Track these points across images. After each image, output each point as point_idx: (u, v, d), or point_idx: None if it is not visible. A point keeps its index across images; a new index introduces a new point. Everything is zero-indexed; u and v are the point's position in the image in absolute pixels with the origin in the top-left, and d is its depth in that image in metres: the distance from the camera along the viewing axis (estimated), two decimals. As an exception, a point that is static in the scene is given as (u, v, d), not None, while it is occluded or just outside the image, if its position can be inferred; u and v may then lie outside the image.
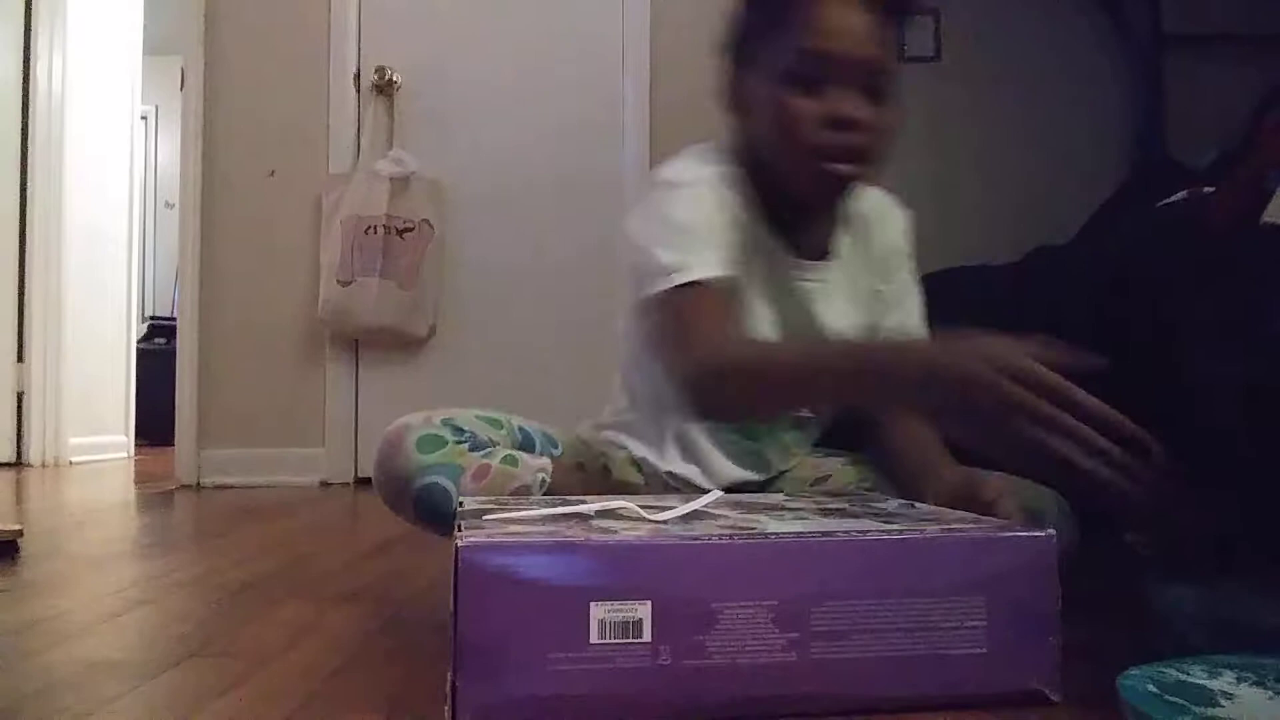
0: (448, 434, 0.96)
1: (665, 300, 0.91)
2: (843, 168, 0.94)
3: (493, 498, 0.92)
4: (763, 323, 1.02)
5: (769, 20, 0.96)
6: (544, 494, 0.98)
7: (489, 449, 0.98)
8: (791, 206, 1.01)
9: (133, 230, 4.26)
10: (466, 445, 0.96)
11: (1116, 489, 0.69)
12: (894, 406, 0.94)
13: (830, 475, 1.13)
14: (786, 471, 1.15)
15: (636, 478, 1.12)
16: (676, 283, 0.90)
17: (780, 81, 0.94)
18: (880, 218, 1.11)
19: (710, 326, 0.89)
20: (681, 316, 0.90)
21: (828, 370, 0.85)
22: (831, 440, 1.21)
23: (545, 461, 1.01)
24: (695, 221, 0.94)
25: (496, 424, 1.03)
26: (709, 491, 0.92)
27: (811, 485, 1.13)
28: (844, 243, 1.08)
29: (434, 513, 0.94)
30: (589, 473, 1.07)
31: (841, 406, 1.00)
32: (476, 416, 1.01)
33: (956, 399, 0.74)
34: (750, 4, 1.01)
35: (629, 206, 1.16)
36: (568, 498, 0.88)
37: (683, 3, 2.86)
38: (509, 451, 0.99)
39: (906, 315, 1.09)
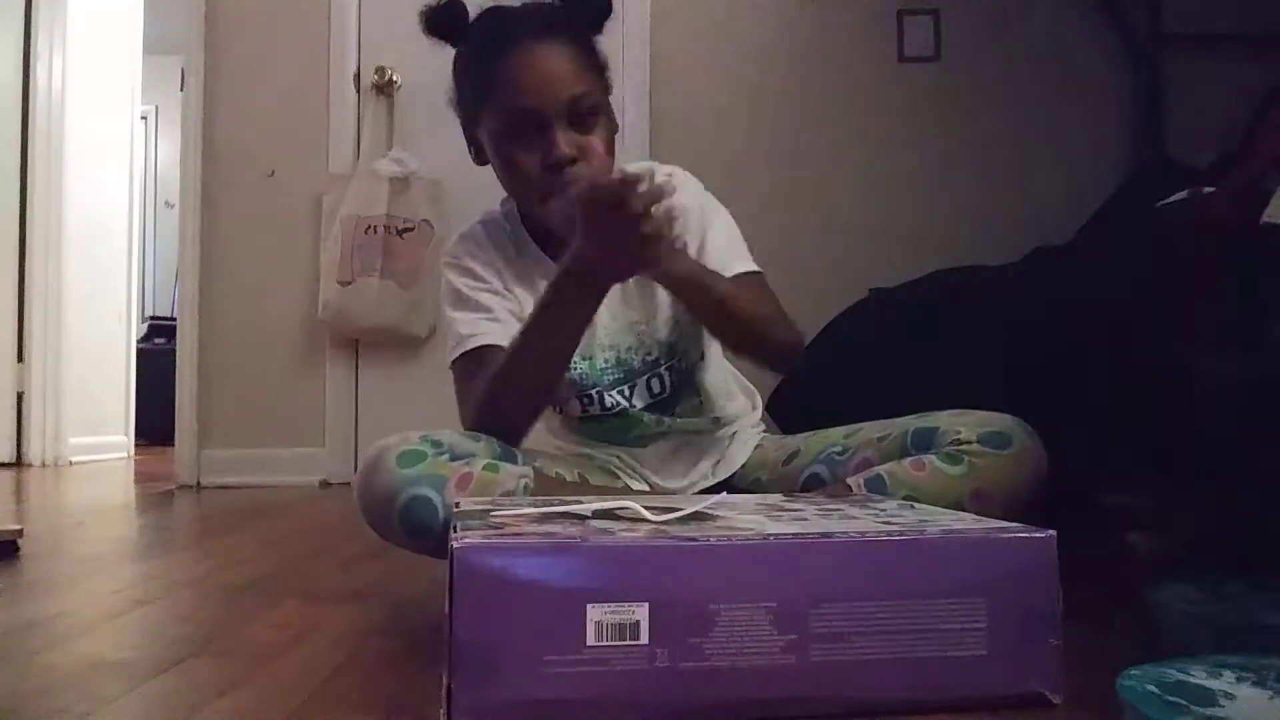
0: (427, 448, 0.96)
1: (455, 366, 1.12)
2: (572, 210, 1.02)
3: (489, 499, 0.92)
4: None
5: (477, 85, 1.06)
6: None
7: (469, 458, 0.98)
8: (552, 233, 1.12)
9: (133, 230, 4.26)
10: (446, 456, 0.96)
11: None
12: (588, 306, 1.04)
13: (798, 450, 1.15)
14: (746, 464, 1.19)
15: (615, 485, 1.14)
16: (459, 352, 1.11)
17: (499, 140, 1.05)
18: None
19: (476, 383, 1.07)
20: (461, 379, 1.11)
21: (532, 336, 1.02)
22: (789, 424, 1.24)
23: (527, 469, 1.02)
24: (470, 297, 1.12)
25: (475, 438, 1.03)
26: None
27: (784, 464, 1.14)
28: None
29: (420, 526, 0.94)
30: (568, 482, 1.09)
31: (569, 345, 1.07)
32: (454, 433, 1.02)
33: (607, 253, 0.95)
34: (459, 73, 1.10)
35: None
36: (565, 498, 0.88)
37: (683, 2, 2.86)
38: (489, 460, 1.00)
39: (720, 256, 1.12)
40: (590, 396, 1.15)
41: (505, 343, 1.08)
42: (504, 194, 1.17)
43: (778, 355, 1.13)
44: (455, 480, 0.94)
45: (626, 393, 1.15)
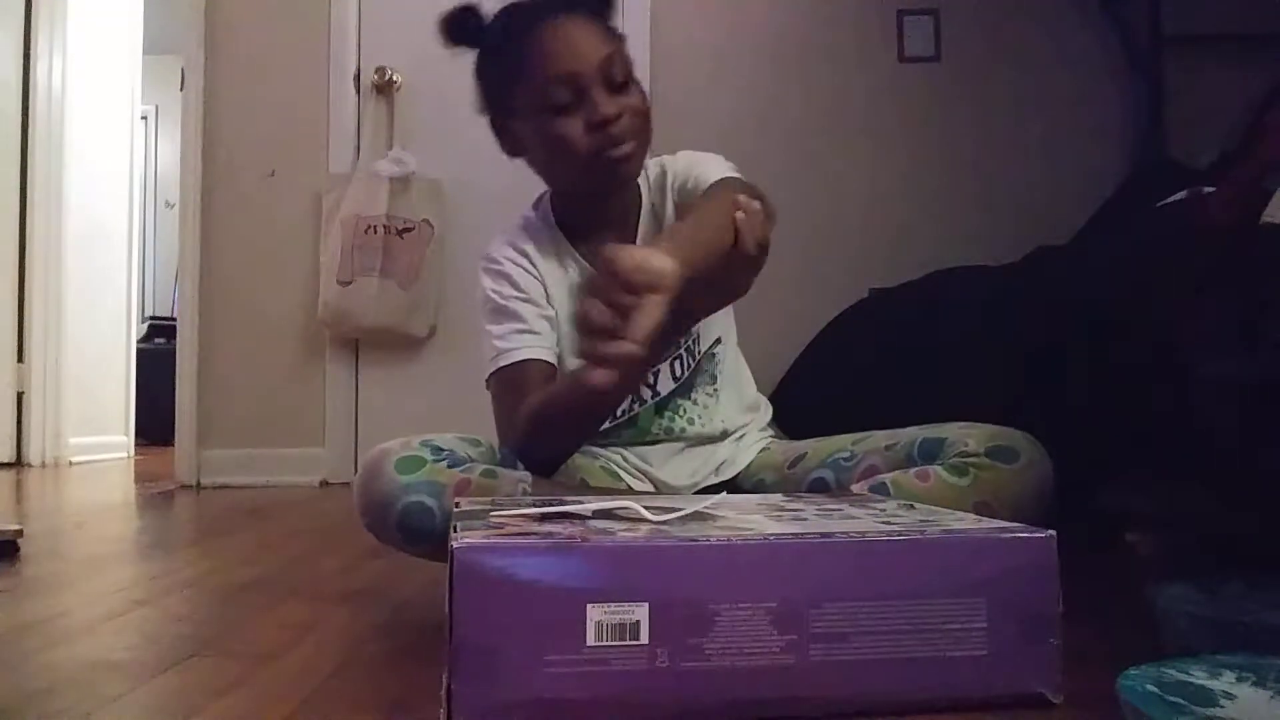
0: (426, 454, 0.97)
1: (491, 381, 1.12)
2: (618, 152, 1.07)
3: (490, 499, 0.92)
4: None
5: (509, 70, 1.09)
6: None
7: (468, 464, 0.98)
8: (589, 221, 1.15)
9: (133, 230, 4.26)
10: (445, 463, 0.97)
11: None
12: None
13: (805, 454, 1.14)
14: (752, 465, 1.19)
15: (617, 484, 1.14)
16: (494, 367, 1.12)
17: (540, 113, 1.07)
18: (665, 193, 1.18)
19: (515, 403, 1.08)
20: (499, 396, 1.11)
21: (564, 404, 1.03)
22: (788, 423, 1.27)
23: (525, 475, 1.02)
24: (504, 306, 1.13)
25: (475, 443, 1.04)
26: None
27: (790, 468, 1.14)
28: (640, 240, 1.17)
29: (417, 532, 0.95)
30: (567, 486, 1.09)
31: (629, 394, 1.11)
32: (455, 437, 1.02)
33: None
34: (488, 62, 1.13)
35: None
36: (566, 499, 0.88)
37: (682, 3, 2.86)
38: (487, 466, 1.00)
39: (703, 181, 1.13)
40: None
41: (540, 355, 1.10)
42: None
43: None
44: (453, 487, 0.95)
45: (652, 379, 1.16)
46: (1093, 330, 1.56)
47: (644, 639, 0.63)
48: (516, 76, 1.08)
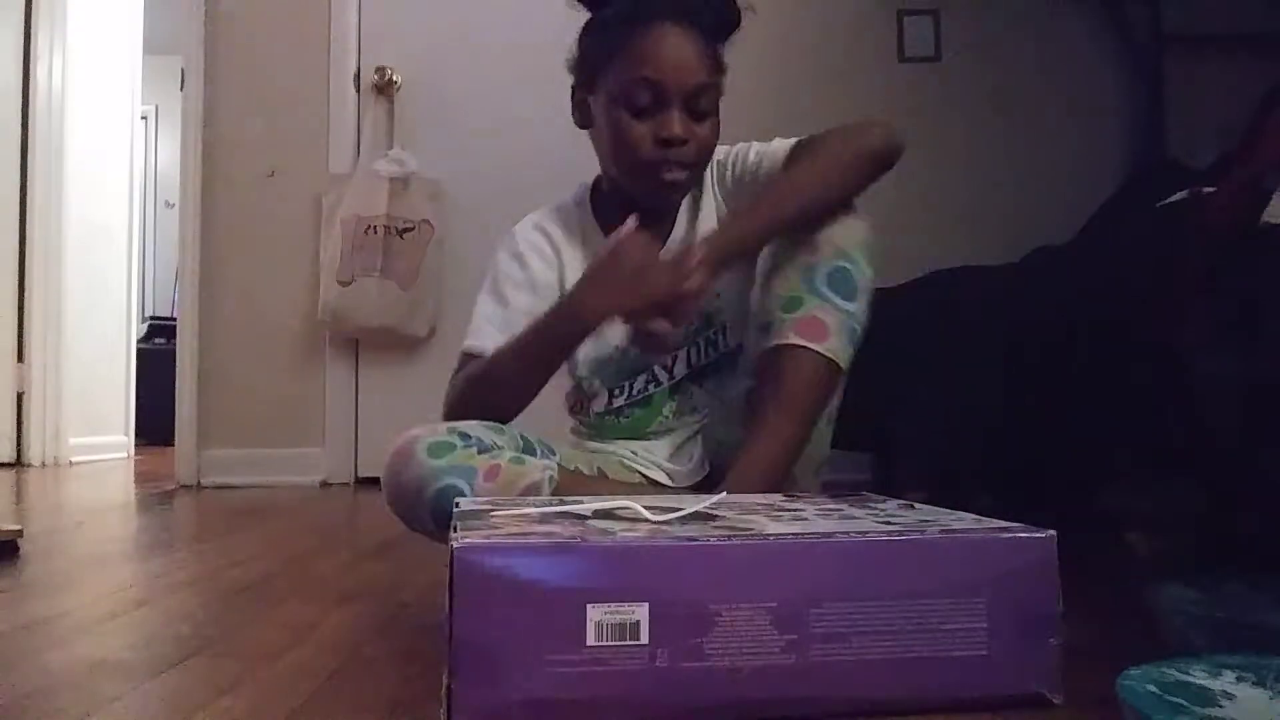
0: (455, 439, 0.97)
1: (461, 353, 1.15)
2: (670, 176, 1.10)
3: (490, 498, 0.92)
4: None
5: (606, 51, 1.10)
6: (552, 493, 0.99)
7: (495, 450, 0.99)
8: (627, 210, 1.13)
9: (133, 230, 4.26)
10: (474, 448, 0.97)
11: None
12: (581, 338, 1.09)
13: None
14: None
15: (631, 478, 1.14)
16: (467, 344, 1.14)
17: (616, 106, 1.09)
18: (707, 189, 1.21)
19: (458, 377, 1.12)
20: (458, 367, 1.14)
21: (524, 350, 1.07)
22: None
23: (551, 462, 1.03)
24: (504, 290, 1.16)
25: (499, 430, 1.04)
26: (676, 490, 1.10)
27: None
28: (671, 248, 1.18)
29: (449, 516, 0.95)
30: (587, 477, 1.10)
31: (550, 371, 1.11)
32: (480, 425, 1.03)
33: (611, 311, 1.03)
34: (590, 35, 1.14)
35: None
36: (565, 498, 0.88)
37: (683, 2, 2.86)
38: (515, 453, 1.01)
39: (773, 152, 1.18)
40: (622, 387, 1.18)
41: None
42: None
43: (885, 154, 1.13)
44: (484, 472, 0.95)
45: (669, 361, 1.18)
46: (1092, 331, 1.56)
47: (644, 639, 0.63)
48: (612, 58, 1.09)
